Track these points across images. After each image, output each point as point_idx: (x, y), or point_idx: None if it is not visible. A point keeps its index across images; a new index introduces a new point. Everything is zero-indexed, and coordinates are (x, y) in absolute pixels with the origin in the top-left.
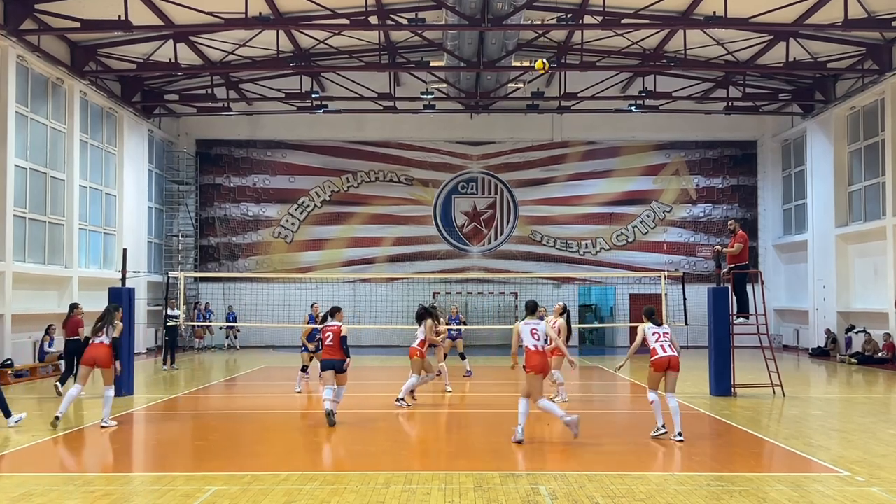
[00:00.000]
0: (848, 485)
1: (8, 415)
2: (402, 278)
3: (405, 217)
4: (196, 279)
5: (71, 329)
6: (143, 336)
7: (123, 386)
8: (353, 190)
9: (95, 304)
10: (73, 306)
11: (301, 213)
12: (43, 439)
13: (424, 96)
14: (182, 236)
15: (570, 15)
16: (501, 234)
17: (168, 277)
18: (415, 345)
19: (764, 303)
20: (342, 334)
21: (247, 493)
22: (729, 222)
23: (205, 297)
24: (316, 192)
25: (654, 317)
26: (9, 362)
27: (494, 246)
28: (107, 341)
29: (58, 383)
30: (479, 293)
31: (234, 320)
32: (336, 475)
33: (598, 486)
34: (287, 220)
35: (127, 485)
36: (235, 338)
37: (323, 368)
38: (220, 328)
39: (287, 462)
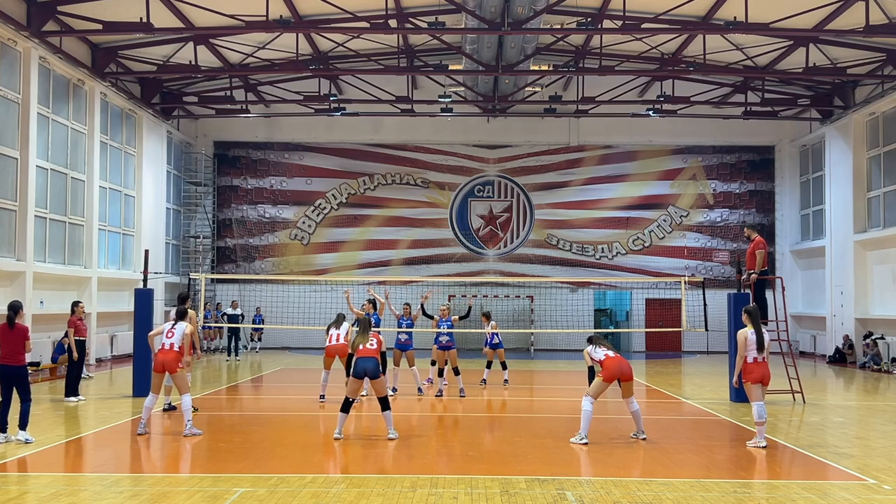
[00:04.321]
0: (875, 493)
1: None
2: (418, 281)
3: (421, 220)
4: (213, 280)
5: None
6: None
7: (141, 387)
8: (370, 192)
9: (113, 304)
10: (75, 304)
11: (317, 216)
12: (68, 439)
13: (442, 100)
14: (199, 237)
15: (589, 19)
16: (517, 237)
17: (190, 279)
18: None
19: (785, 308)
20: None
21: (274, 494)
22: (744, 231)
23: (220, 299)
24: (332, 195)
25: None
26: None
27: (510, 249)
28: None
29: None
30: (494, 296)
31: (262, 322)
32: (362, 478)
33: (625, 493)
34: (303, 222)
35: (155, 485)
36: (259, 339)
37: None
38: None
39: (312, 464)
